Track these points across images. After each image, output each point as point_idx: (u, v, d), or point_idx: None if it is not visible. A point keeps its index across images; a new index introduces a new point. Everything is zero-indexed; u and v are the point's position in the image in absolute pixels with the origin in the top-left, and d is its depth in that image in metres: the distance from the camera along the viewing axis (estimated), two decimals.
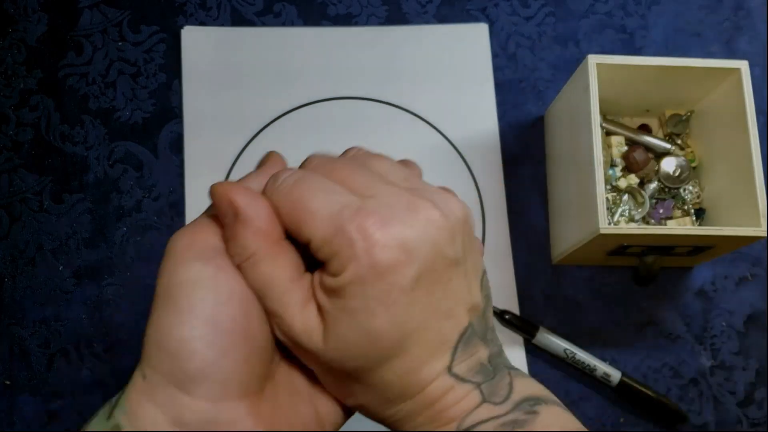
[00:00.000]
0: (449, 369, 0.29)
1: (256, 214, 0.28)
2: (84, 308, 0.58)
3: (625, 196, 0.60)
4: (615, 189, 0.61)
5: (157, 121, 0.62)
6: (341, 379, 0.29)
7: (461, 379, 0.29)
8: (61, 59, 0.63)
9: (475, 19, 0.67)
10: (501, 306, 0.59)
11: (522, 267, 0.61)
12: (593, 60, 0.54)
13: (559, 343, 0.58)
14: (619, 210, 0.60)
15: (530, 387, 0.30)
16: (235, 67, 0.64)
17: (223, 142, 0.62)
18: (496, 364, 0.30)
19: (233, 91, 0.63)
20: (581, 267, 0.62)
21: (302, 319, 0.28)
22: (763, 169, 0.54)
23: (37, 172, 0.60)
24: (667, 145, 0.61)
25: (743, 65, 0.55)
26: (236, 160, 0.62)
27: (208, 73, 0.63)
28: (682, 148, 0.62)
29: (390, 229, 0.26)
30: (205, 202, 0.30)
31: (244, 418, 0.28)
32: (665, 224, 0.60)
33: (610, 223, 0.58)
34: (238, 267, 0.28)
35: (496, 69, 0.66)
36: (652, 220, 0.61)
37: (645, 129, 0.63)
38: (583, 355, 0.58)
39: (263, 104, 0.63)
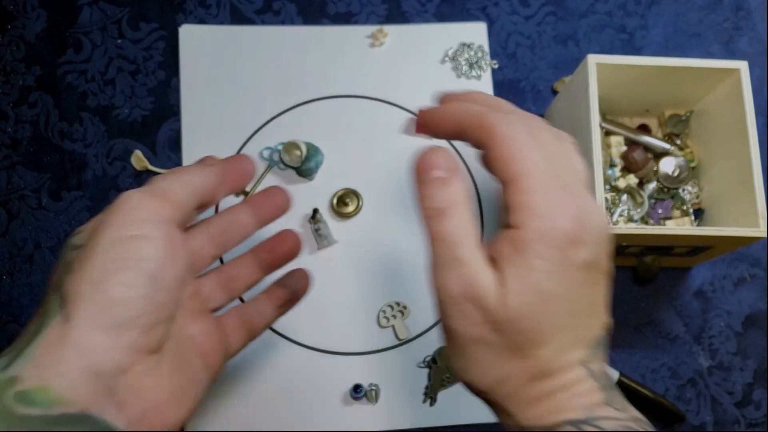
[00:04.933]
0: (585, 362, 0.31)
1: (461, 173, 0.32)
2: None
3: (624, 196, 0.60)
4: (614, 189, 0.61)
5: (156, 119, 0.62)
6: (495, 349, 0.30)
7: (593, 375, 0.31)
8: (60, 56, 0.63)
9: (475, 18, 0.67)
10: None
11: None
12: (593, 60, 0.54)
13: None
14: (618, 210, 0.60)
15: (639, 413, 0.32)
16: (234, 65, 0.64)
17: (222, 140, 0.62)
18: (611, 381, 0.32)
19: (232, 89, 0.63)
20: None
21: (487, 273, 0.30)
22: (762, 170, 0.54)
23: (36, 169, 0.60)
24: (667, 146, 0.61)
25: (743, 66, 0.55)
26: None
27: (207, 71, 0.63)
28: (681, 149, 0.62)
29: (578, 208, 0.29)
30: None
31: (151, 372, 0.30)
32: (664, 224, 0.60)
33: (608, 223, 0.58)
34: (433, 216, 0.31)
35: (496, 68, 0.66)
36: (651, 220, 0.61)
37: (644, 129, 0.63)
38: None
39: (262, 102, 0.63)
